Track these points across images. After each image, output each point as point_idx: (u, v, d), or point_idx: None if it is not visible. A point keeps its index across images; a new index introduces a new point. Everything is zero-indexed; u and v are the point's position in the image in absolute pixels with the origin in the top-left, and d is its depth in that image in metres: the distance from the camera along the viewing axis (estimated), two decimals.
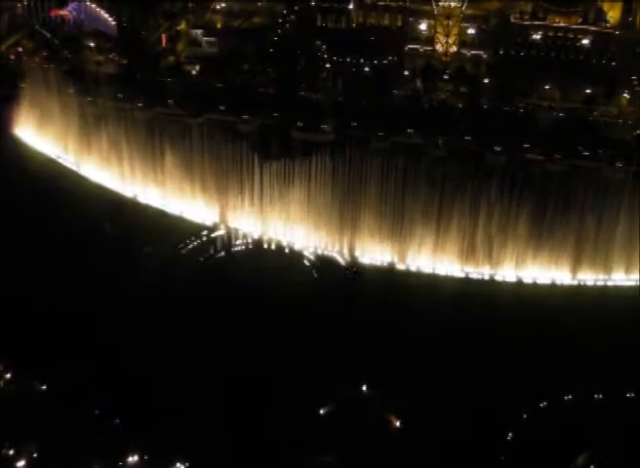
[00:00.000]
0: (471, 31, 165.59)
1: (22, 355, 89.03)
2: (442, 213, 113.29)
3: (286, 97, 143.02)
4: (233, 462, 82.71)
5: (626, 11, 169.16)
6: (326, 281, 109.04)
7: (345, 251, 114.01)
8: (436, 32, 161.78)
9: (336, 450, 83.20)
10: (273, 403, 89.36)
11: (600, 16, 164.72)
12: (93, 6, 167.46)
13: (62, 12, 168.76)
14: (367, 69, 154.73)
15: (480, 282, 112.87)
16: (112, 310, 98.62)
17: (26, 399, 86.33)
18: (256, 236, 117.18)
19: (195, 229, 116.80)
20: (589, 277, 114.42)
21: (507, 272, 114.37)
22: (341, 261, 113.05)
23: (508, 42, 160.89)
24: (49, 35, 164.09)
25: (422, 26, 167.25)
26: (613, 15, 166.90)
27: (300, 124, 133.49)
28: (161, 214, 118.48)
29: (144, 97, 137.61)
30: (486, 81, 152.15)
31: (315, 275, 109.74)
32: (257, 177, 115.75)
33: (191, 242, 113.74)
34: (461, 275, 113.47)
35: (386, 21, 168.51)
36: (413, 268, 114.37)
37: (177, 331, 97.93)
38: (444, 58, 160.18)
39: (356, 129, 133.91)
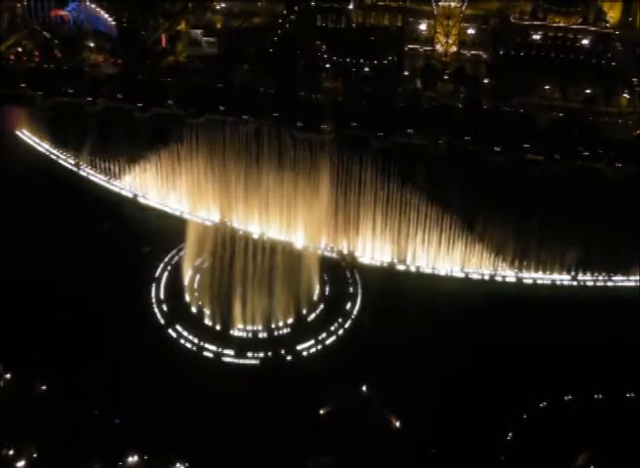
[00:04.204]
0: (471, 31, 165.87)
1: None
2: None
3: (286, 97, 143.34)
4: None
5: (626, 11, 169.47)
6: None
7: None
8: (436, 32, 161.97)
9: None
10: None
11: (600, 16, 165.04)
12: (93, 6, 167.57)
13: (62, 12, 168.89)
14: (367, 69, 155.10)
15: None
16: None
17: (26, 399, 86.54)
18: None
19: None
20: None
21: None
22: None
23: (508, 42, 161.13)
24: (49, 35, 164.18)
25: (422, 26, 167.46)
26: (613, 15, 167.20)
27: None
28: None
29: None
30: (486, 81, 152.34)
31: None
32: None
33: None
34: None
35: (386, 21, 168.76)
36: None
37: None
38: (444, 59, 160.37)
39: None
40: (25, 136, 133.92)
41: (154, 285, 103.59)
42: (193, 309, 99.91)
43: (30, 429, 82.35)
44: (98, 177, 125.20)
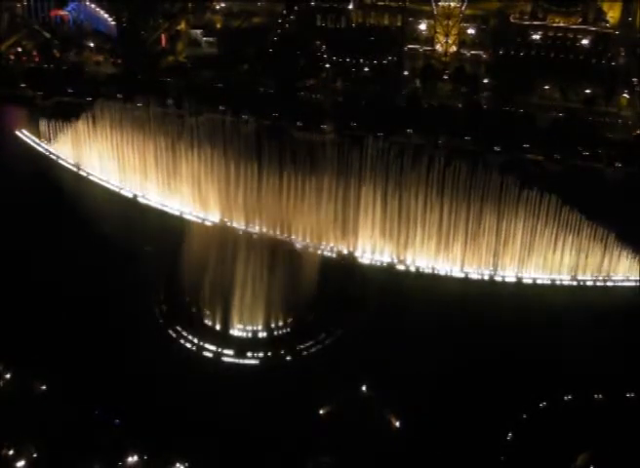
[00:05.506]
0: (471, 31, 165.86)
1: None
2: None
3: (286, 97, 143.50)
4: None
5: (626, 11, 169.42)
6: None
7: None
8: (436, 32, 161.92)
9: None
10: None
11: (600, 16, 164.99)
12: (93, 6, 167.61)
13: (62, 12, 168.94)
14: (367, 69, 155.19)
15: None
16: None
17: (26, 399, 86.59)
18: None
19: None
20: None
21: None
22: None
23: (508, 42, 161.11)
24: (49, 35, 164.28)
25: (422, 26, 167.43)
26: (613, 15, 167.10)
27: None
28: None
29: None
30: (486, 81, 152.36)
31: None
32: None
33: None
34: None
35: (386, 21, 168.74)
36: None
37: None
38: (444, 58, 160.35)
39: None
40: (25, 136, 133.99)
41: (154, 284, 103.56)
42: (193, 309, 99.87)
43: (30, 429, 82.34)
44: (97, 178, 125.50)
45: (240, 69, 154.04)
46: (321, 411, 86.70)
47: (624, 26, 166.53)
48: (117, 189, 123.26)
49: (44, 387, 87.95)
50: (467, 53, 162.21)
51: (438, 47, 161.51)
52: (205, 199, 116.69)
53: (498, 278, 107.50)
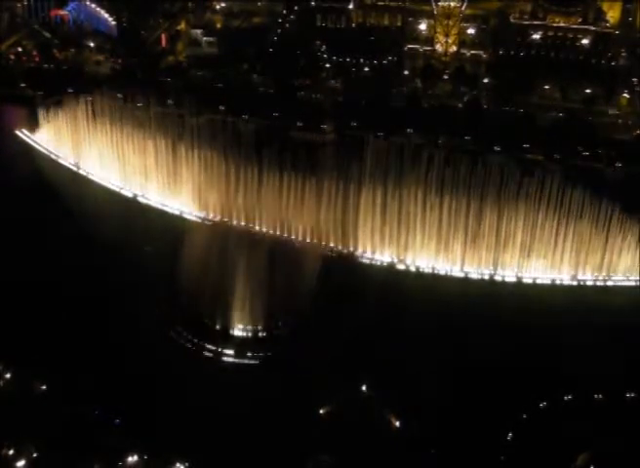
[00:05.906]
0: (471, 31, 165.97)
1: None
2: None
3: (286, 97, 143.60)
4: None
5: (626, 11, 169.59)
6: None
7: None
8: (436, 32, 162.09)
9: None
10: None
11: (600, 16, 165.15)
12: (93, 6, 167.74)
13: (62, 12, 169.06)
14: (367, 69, 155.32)
15: None
16: None
17: (26, 399, 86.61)
18: None
19: None
20: None
21: None
22: None
23: (508, 42, 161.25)
24: (49, 35, 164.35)
25: (422, 26, 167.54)
26: (613, 15, 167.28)
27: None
28: None
29: None
30: (486, 81, 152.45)
31: None
32: None
33: None
34: None
35: (386, 21, 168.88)
36: None
37: None
38: (444, 58, 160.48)
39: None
40: (25, 136, 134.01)
41: (153, 284, 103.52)
42: (193, 309, 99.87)
43: (30, 429, 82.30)
44: (97, 178, 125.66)
45: (240, 69, 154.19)
46: (321, 411, 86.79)
47: (624, 26, 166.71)
48: (117, 189, 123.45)
49: (44, 387, 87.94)
50: (467, 53, 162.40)
51: (438, 47, 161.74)
52: (205, 198, 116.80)
53: (497, 278, 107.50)
